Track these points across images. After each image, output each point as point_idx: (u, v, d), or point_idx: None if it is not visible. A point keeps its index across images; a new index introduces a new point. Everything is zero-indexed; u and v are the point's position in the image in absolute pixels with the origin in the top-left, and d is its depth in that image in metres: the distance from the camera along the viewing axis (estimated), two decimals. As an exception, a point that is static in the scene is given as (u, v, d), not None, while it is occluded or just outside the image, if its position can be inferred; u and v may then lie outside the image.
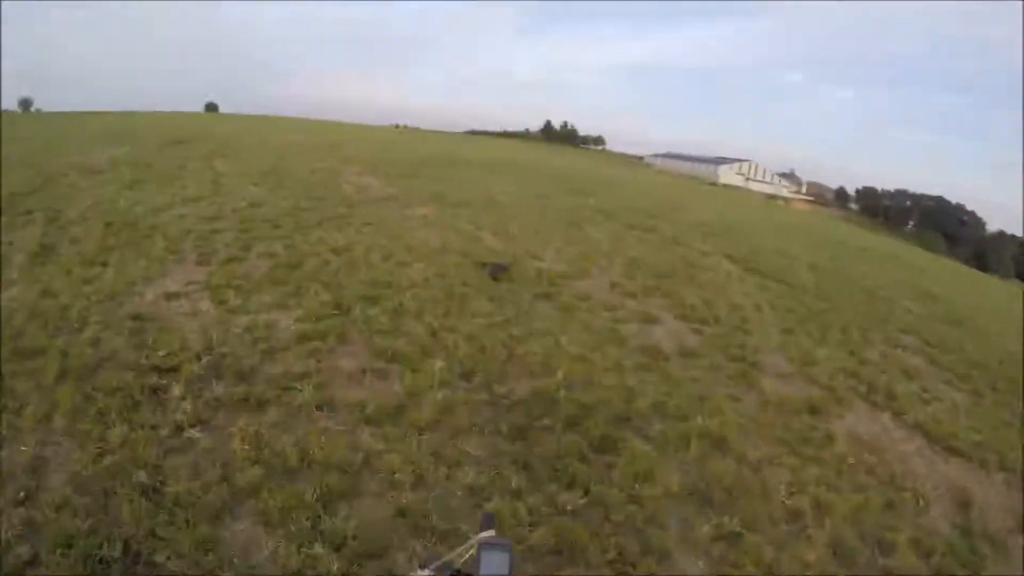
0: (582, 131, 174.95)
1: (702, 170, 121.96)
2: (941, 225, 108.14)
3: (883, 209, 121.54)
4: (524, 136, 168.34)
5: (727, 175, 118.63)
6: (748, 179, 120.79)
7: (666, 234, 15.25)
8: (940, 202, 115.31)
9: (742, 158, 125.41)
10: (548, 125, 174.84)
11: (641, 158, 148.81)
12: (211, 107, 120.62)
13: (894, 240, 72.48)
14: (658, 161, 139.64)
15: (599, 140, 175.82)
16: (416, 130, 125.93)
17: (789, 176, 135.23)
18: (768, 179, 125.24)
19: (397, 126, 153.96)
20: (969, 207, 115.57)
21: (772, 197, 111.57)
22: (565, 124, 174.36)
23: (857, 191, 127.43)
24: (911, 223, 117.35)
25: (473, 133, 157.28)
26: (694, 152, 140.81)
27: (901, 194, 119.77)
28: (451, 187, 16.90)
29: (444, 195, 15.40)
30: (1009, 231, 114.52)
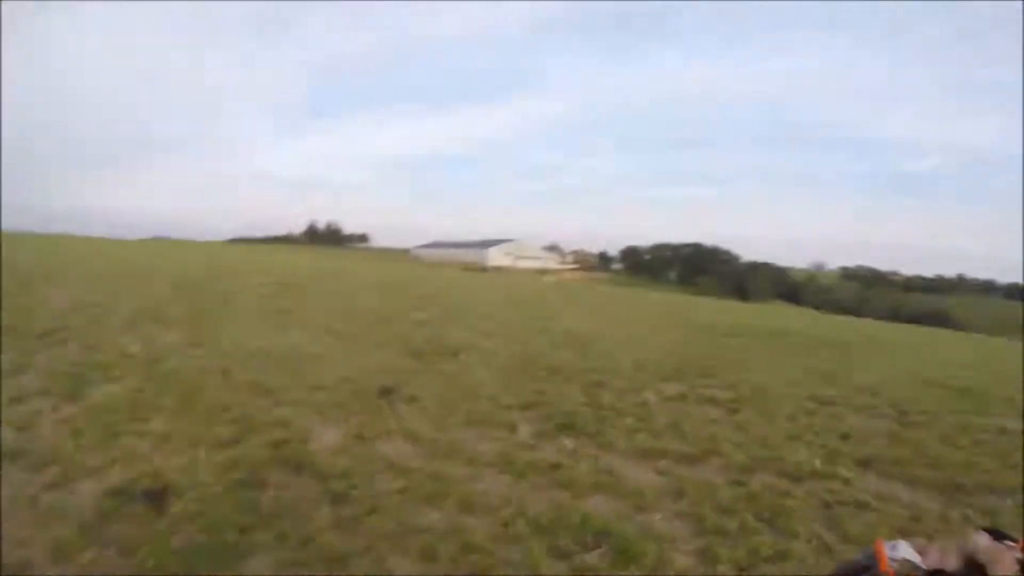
0: (348, 229, 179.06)
1: (471, 255, 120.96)
2: (702, 268, 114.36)
3: (646, 264, 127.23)
4: (287, 240, 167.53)
5: (496, 257, 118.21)
6: (516, 258, 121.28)
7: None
8: (697, 248, 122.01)
9: (508, 238, 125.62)
10: (312, 226, 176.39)
11: (407, 251, 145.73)
12: None
13: (657, 290, 76.91)
14: (424, 252, 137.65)
15: (363, 237, 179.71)
16: (172, 241, 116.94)
17: (553, 249, 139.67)
18: (534, 255, 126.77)
19: (155, 237, 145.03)
20: (725, 247, 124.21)
21: (541, 272, 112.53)
22: (328, 224, 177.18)
23: (621, 252, 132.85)
24: (672, 272, 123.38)
25: (239, 240, 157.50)
26: (463, 239, 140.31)
27: (661, 247, 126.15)
28: None
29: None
30: (764, 259, 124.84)
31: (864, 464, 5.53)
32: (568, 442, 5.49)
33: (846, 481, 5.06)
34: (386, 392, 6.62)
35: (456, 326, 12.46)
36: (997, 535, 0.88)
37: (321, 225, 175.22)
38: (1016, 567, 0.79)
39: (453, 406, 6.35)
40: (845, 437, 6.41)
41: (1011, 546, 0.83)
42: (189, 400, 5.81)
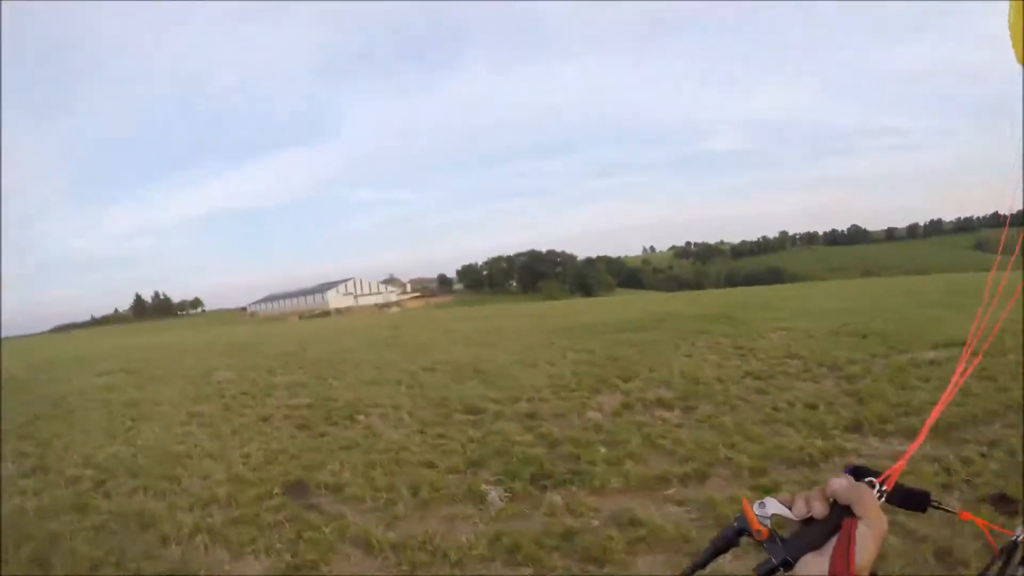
0: (178, 297, 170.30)
1: (311, 302, 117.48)
2: (541, 273, 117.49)
3: (485, 278, 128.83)
4: (115, 319, 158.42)
5: (336, 299, 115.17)
6: (356, 296, 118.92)
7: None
8: (531, 254, 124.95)
9: (345, 278, 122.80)
10: (138, 300, 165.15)
11: (243, 309, 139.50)
12: None
13: (500, 301, 78.74)
14: (261, 307, 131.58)
15: (196, 303, 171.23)
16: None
17: (391, 281, 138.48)
18: (375, 290, 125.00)
19: None
20: (560, 248, 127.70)
21: (383, 305, 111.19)
22: (157, 295, 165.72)
23: (457, 271, 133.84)
24: (512, 282, 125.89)
25: (63, 327, 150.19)
26: (299, 286, 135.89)
27: (496, 260, 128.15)
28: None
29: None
30: (602, 255, 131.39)
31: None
32: (558, 497, 4.65)
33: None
34: (299, 490, 5.34)
35: (337, 383, 11.07)
36: (860, 473, 0.90)
37: (148, 297, 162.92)
38: (876, 501, 0.83)
39: (390, 490, 5.14)
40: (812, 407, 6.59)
41: (872, 481, 0.87)
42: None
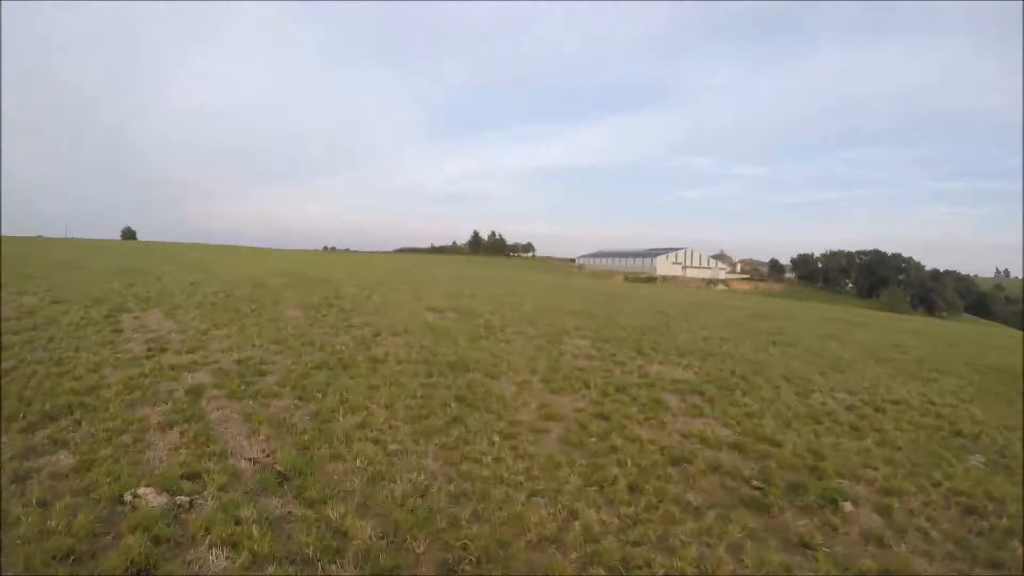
0: (510, 239, 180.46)
1: (638, 264, 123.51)
2: (881, 277, 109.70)
3: (819, 272, 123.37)
4: (453, 250, 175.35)
5: (664, 266, 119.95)
6: (685, 267, 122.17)
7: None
8: (876, 255, 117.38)
9: (676, 247, 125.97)
10: (476, 236, 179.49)
11: (572, 260, 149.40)
12: (128, 234, 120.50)
13: (840, 302, 73.18)
14: (590, 261, 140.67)
15: (528, 247, 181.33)
16: (347, 252, 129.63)
17: (721, 257, 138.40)
18: (705, 263, 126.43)
19: (326, 248, 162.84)
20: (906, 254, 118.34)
21: (711, 281, 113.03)
22: (493, 234, 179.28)
23: (792, 260, 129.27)
24: (848, 282, 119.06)
25: (404, 250, 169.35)
26: (626, 248, 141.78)
27: (835, 255, 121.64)
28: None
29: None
30: (947, 268, 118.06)
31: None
32: None
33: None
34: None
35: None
36: None
37: (484, 235, 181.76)
38: None
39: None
40: None
41: None
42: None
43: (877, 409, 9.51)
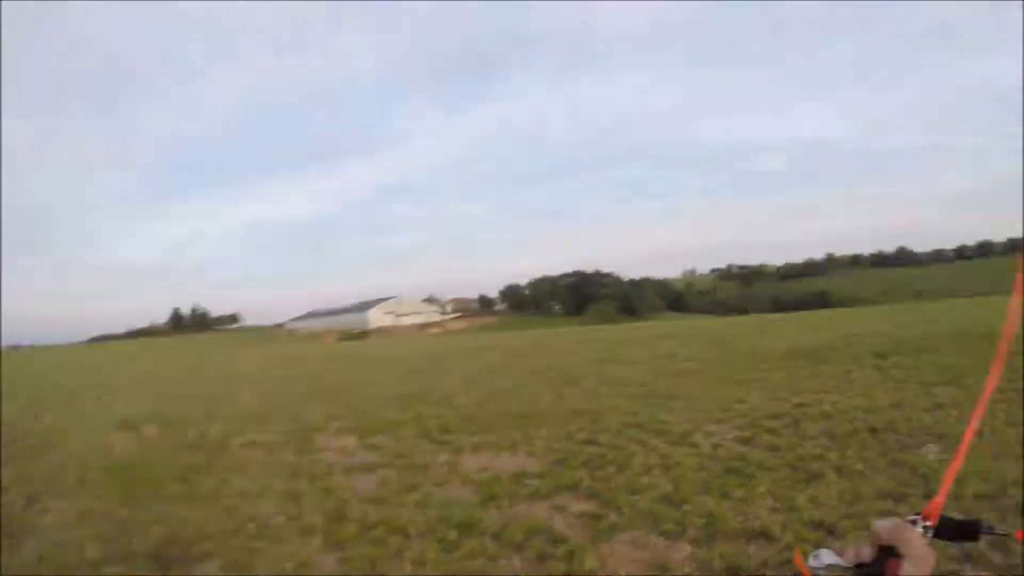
0: (215, 311, 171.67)
1: (351, 320, 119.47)
2: (586, 295, 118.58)
3: (528, 300, 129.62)
4: (152, 330, 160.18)
5: (377, 317, 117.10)
6: (398, 315, 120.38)
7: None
8: (578, 275, 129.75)
9: (387, 296, 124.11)
10: (176, 313, 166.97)
11: (281, 325, 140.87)
12: None
13: (550, 325, 77.93)
14: (300, 325, 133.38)
15: (233, 318, 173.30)
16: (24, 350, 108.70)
17: (431, 300, 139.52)
18: (416, 309, 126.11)
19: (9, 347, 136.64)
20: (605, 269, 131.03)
21: (424, 326, 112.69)
22: (194, 309, 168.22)
23: (501, 291, 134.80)
24: (556, 304, 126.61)
25: (98, 339, 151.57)
26: (336, 305, 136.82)
27: (541, 281, 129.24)
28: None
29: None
30: (646, 276, 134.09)
31: None
32: None
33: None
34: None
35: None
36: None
37: (186, 310, 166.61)
38: (922, 537, 0.88)
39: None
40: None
41: (913, 519, 0.92)
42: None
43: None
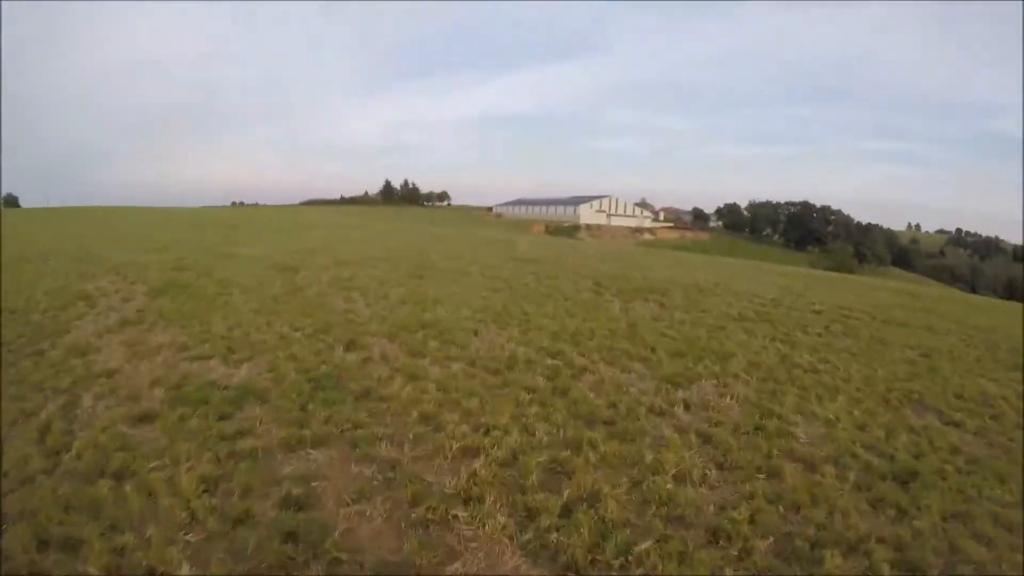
0: (424, 188, 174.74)
1: (560, 212, 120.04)
2: (808, 229, 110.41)
3: (745, 222, 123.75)
4: (363, 200, 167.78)
5: (588, 214, 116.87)
6: (609, 215, 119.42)
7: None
8: (804, 206, 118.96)
9: (600, 195, 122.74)
10: (387, 186, 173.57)
11: (490, 209, 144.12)
12: (10, 201, 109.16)
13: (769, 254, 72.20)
14: (509, 210, 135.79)
15: (443, 196, 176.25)
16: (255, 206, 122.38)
17: (644, 205, 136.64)
18: (628, 212, 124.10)
19: (234, 204, 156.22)
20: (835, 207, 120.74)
21: (636, 230, 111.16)
22: (405, 183, 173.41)
23: (718, 209, 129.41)
24: (773, 232, 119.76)
25: (311, 202, 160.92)
26: (547, 195, 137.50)
27: (762, 205, 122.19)
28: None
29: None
30: (879, 223, 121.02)
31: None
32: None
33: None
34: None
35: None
36: None
37: (397, 184, 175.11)
38: None
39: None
40: None
41: None
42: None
43: None
